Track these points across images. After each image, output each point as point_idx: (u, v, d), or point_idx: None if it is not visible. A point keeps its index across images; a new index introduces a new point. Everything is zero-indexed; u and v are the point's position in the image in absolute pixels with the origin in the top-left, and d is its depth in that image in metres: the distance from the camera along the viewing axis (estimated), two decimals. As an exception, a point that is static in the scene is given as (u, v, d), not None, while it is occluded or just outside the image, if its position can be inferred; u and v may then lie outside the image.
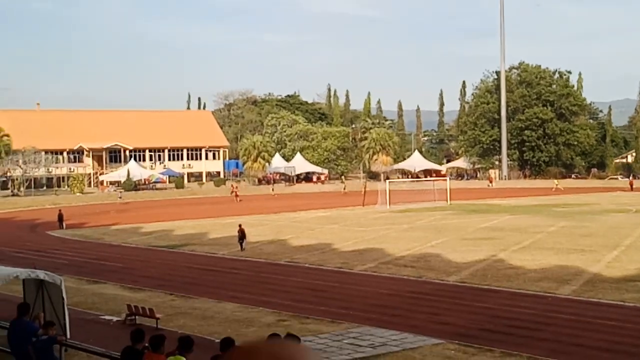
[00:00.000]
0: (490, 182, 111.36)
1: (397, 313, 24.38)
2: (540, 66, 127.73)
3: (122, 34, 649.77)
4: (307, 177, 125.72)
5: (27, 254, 42.85)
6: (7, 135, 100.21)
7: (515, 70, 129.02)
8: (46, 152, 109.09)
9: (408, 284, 30.15)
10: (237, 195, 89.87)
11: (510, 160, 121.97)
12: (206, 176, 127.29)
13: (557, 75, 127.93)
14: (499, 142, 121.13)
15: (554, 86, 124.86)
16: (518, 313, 24.29)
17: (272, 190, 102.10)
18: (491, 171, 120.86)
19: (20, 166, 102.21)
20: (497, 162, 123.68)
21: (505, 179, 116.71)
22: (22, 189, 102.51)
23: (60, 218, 60.60)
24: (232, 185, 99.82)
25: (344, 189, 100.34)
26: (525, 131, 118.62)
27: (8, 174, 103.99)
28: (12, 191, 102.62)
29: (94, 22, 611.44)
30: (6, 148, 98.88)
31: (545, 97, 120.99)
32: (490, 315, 23.92)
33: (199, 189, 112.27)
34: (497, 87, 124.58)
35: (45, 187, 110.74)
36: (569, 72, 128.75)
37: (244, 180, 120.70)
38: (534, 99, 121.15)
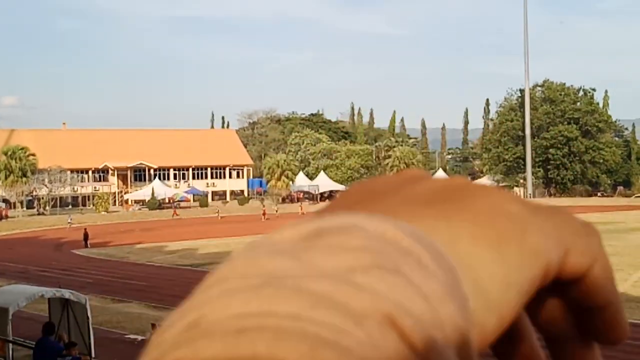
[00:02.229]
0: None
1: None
2: (564, 84, 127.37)
3: (146, 54, 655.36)
4: (330, 196, 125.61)
5: (52, 273, 43.06)
6: (33, 155, 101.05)
7: (539, 88, 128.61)
8: (72, 171, 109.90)
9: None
10: (264, 214, 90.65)
11: (535, 179, 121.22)
12: (230, 195, 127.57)
13: (581, 92, 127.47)
14: (523, 160, 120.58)
15: (578, 104, 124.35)
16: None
17: (218, 212, 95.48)
18: (516, 189, 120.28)
19: (46, 185, 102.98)
20: (521, 181, 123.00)
21: (530, 197, 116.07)
22: (47, 207, 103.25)
23: (86, 237, 60.98)
24: (263, 206, 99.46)
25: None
26: (550, 149, 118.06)
27: (34, 193, 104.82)
28: (37, 210, 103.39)
29: (118, 41, 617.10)
30: (32, 167, 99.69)
31: (569, 115, 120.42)
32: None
33: (223, 207, 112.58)
34: (521, 105, 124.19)
35: (70, 206, 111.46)
36: (594, 90, 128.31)
37: (268, 199, 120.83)
38: (559, 116, 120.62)
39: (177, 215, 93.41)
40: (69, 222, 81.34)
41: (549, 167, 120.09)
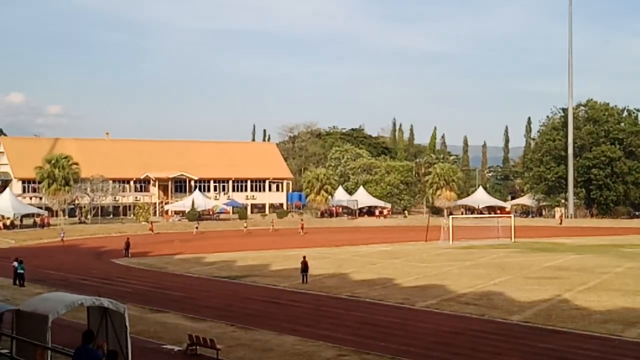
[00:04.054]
0: (561, 220, 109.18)
1: (459, 352, 24.06)
2: (608, 104, 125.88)
3: (189, 66, 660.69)
4: (369, 211, 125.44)
5: (92, 281, 43.50)
6: (77, 164, 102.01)
7: (582, 108, 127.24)
8: (113, 180, 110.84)
9: (470, 322, 29.77)
10: (302, 228, 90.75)
11: (577, 199, 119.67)
12: (269, 208, 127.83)
13: (625, 113, 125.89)
14: (565, 179, 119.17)
15: (622, 124, 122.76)
16: (583, 355, 23.78)
17: (196, 228, 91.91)
18: (557, 209, 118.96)
19: (88, 194, 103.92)
20: (562, 201, 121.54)
21: (571, 218, 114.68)
22: (89, 216, 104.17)
23: (127, 246, 61.49)
24: (301, 220, 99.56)
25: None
26: (593, 169, 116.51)
27: (76, 201, 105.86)
28: (79, 219, 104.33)
29: (162, 53, 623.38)
30: (75, 176, 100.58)
31: (613, 135, 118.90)
32: (554, 357, 23.46)
33: (262, 220, 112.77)
34: (564, 124, 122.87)
35: (111, 216, 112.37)
36: (638, 110, 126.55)
37: (307, 213, 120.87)
38: (602, 136, 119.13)
39: (152, 231, 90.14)
40: (61, 237, 79.51)
41: (591, 187, 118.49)
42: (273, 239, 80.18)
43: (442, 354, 23.66)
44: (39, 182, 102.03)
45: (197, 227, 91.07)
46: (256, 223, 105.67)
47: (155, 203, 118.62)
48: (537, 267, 49.23)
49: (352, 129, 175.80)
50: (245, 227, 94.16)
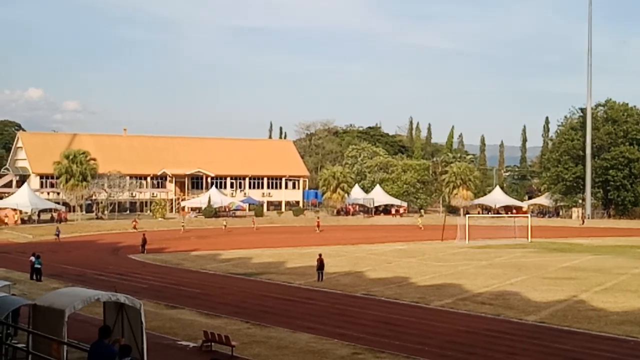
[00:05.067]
0: (583, 220, 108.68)
1: (474, 351, 23.99)
2: (627, 104, 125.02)
3: (206, 63, 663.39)
4: (385, 210, 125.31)
5: (108, 277, 43.67)
6: (94, 159, 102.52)
7: (601, 108, 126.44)
8: (130, 176, 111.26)
9: (486, 321, 29.69)
10: (318, 226, 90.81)
11: (594, 199, 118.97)
12: (285, 205, 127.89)
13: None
14: (583, 180, 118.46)
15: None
16: (598, 356, 23.68)
17: (182, 227, 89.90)
18: (574, 209, 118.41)
19: (105, 190, 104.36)
20: (580, 201, 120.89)
21: (588, 218, 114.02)
22: (106, 212, 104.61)
23: (144, 242, 61.70)
24: (317, 218, 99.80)
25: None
26: (611, 170, 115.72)
27: (93, 197, 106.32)
28: (96, 214, 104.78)
29: (179, 50, 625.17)
30: (92, 172, 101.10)
31: (632, 136, 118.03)
32: (569, 358, 23.38)
33: (278, 217, 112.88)
34: (582, 124, 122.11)
35: (128, 211, 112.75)
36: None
37: (323, 211, 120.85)
38: (620, 137, 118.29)
39: (136, 227, 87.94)
40: (56, 235, 78.36)
41: (608, 188, 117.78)
42: (288, 236, 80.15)
43: (457, 353, 23.60)
44: (57, 178, 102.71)
45: (183, 226, 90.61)
46: (272, 221, 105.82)
47: (171, 199, 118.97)
48: (553, 268, 49.04)
49: (369, 127, 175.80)
50: (225, 226, 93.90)
